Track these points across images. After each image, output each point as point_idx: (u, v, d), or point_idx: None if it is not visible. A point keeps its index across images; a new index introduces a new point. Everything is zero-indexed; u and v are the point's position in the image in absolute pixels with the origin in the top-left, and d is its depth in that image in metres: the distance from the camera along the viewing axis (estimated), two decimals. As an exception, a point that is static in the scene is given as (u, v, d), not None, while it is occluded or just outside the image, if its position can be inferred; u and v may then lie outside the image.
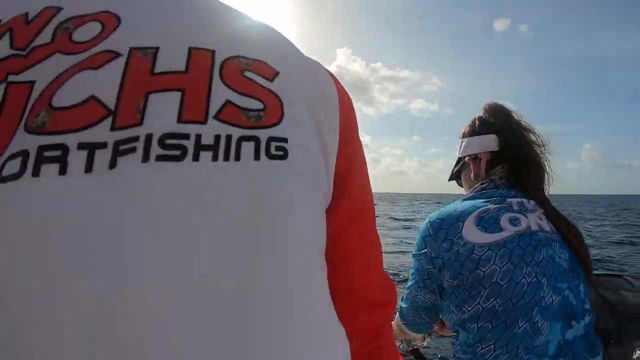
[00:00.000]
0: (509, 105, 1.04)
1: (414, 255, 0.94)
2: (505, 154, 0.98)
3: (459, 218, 0.87)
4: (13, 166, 0.23)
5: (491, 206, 0.88)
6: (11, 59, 0.26)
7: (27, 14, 0.28)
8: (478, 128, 1.02)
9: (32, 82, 0.25)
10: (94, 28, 0.28)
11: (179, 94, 0.27)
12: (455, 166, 1.11)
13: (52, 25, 0.28)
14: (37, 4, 0.29)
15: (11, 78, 0.25)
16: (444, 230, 0.87)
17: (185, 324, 0.24)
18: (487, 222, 0.86)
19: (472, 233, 0.84)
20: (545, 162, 0.98)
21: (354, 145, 0.37)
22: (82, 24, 0.28)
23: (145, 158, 0.25)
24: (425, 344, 1.29)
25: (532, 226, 0.86)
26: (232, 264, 0.25)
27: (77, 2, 0.30)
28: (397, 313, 1.08)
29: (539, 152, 0.98)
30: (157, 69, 0.27)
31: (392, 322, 1.12)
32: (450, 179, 1.18)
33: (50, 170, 0.23)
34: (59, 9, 0.29)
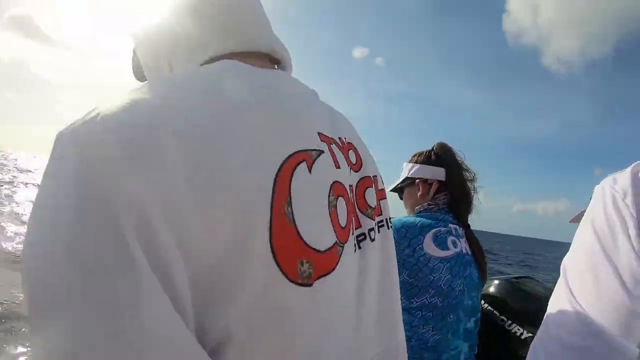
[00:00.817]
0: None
1: None
2: (448, 185, 1.28)
3: (420, 232, 1.17)
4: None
5: (442, 228, 1.20)
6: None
7: None
8: (432, 160, 1.31)
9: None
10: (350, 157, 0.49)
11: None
12: (403, 182, 1.37)
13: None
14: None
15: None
16: (407, 238, 1.16)
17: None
18: (440, 241, 1.18)
19: (429, 247, 1.16)
20: (473, 195, 1.29)
21: None
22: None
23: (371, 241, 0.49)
24: None
25: (463, 250, 1.21)
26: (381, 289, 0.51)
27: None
28: None
29: (471, 187, 1.29)
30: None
31: None
32: (392, 190, 1.42)
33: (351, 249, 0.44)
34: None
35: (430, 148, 1.35)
